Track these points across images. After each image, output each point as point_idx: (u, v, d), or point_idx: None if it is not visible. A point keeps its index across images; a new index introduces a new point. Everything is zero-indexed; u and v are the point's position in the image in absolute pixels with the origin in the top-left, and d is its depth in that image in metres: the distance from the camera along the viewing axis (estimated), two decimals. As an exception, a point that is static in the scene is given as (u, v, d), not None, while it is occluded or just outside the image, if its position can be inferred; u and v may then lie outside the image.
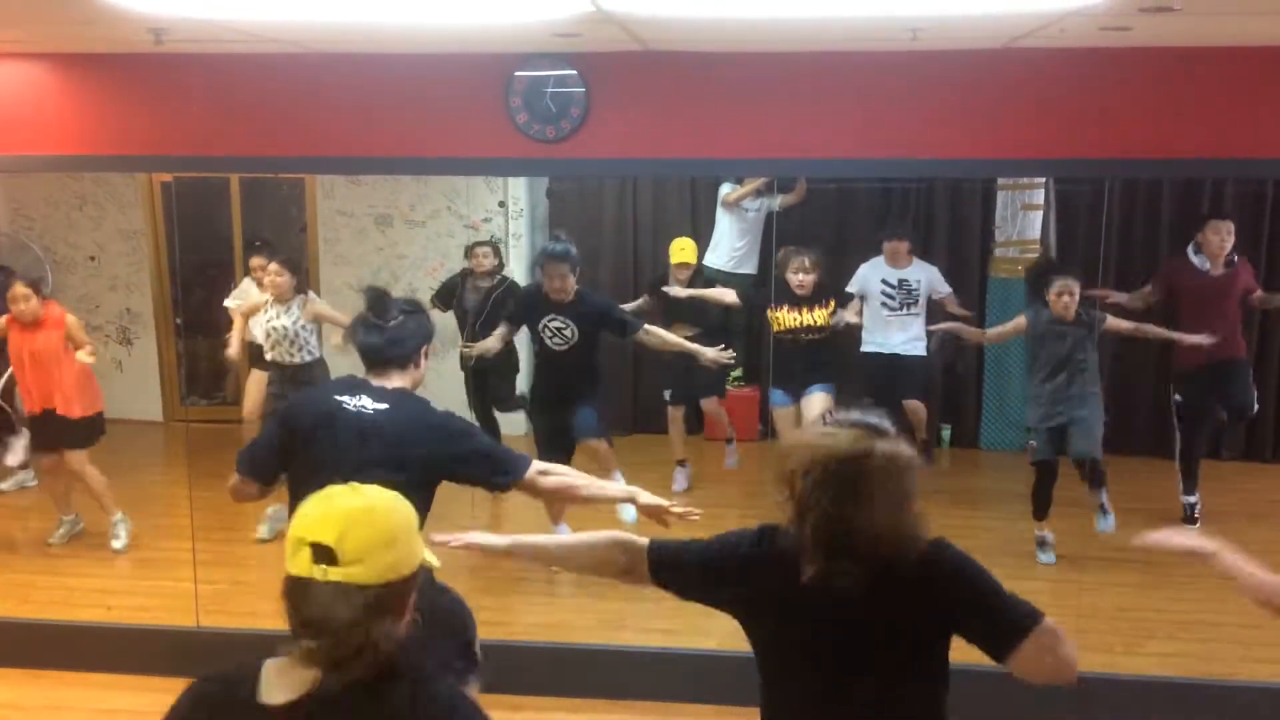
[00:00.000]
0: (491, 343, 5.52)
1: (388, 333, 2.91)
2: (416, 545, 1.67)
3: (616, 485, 3.19)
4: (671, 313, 6.52)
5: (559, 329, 5.20)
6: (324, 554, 1.55)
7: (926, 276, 6.39)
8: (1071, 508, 5.80)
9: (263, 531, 5.68)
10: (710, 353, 5.23)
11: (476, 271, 6.46)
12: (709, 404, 6.54)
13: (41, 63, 4.35)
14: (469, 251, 6.56)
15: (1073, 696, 4.11)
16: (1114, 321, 5.51)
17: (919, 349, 6.39)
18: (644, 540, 2.24)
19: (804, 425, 5.76)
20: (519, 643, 4.59)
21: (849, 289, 6.34)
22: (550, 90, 4.11)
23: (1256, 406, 5.96)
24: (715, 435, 7.01)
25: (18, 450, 6.40)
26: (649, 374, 7.48)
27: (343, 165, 5.06)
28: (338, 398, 2.85)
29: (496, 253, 6.58)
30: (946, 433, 7.53)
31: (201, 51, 4.20)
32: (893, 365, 6.35)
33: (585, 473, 3.30)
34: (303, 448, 2.86)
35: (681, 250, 6.49)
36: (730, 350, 5.27)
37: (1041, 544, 5.52)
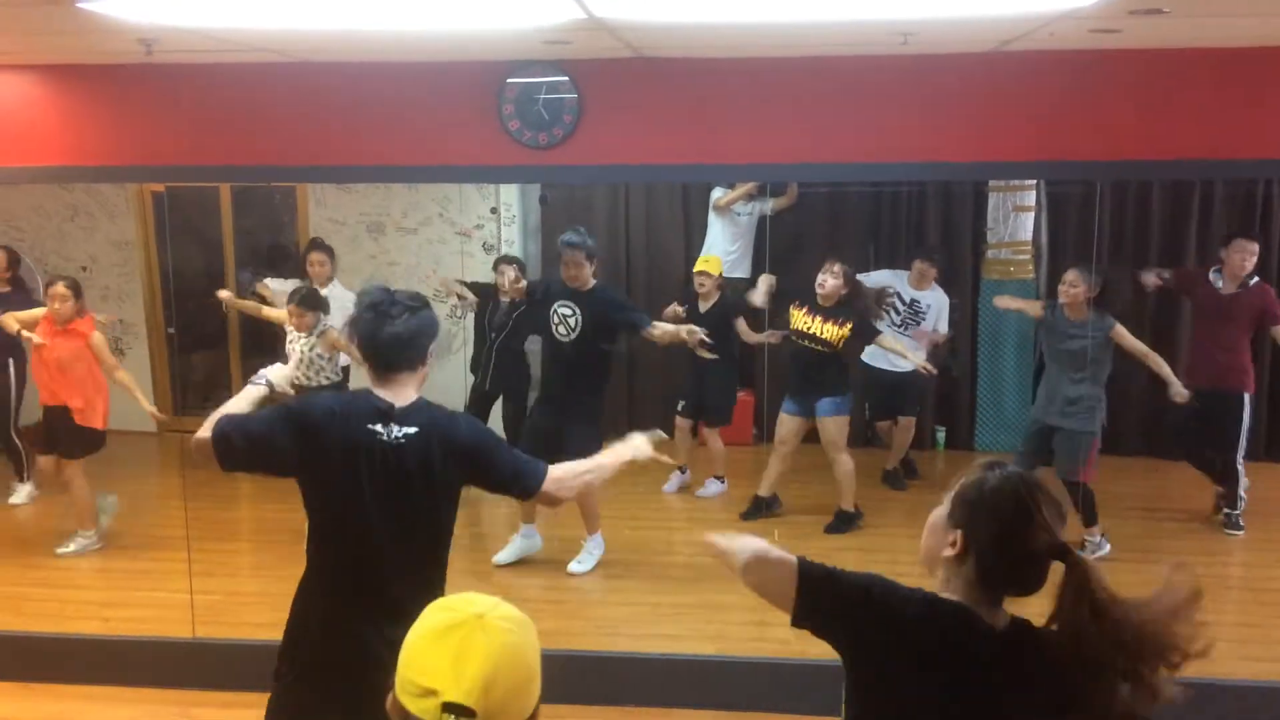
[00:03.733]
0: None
1: (401, 331, 2.67)
2: (538, 675, 1.56)
3: (613, 457, 2.95)
4: None
5: (565, 316, 5.23)
6: (462, 713, 1.41)
7: (938, 305, 6.53)
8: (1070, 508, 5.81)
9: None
10: (684, 332, 5.20)
11: (500, 290, 6.41)
12: (711, 433, 6.56)
13: (32, 74, 4.35)
14: (495, 265, 6.55)
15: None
16: (1122, 333, 5.35)
17: (907, 364, 6.45)
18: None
19: (825, 449, 5.83)
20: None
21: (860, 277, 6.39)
22: (542, 97, 4.12)
23: (1242, 452, 5.75)
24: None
25: (22, 494, 6.46)
26: (645, 378, 7.49)
27: (335, 174, 5.06)
28: (370, 427, 2.63)
29: (523, 271, 6.44)
30: (941, 435, 7.55)
31: (192, 62, 4.20)
32: (896, 382, 6.50)
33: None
34: (326, 474, 2.66)
35: (701, 262, 6.51)
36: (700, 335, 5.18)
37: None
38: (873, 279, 6.52)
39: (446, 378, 7.31)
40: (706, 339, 5.20)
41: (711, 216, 7.17)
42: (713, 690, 4.27)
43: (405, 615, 2.65)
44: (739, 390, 7.29)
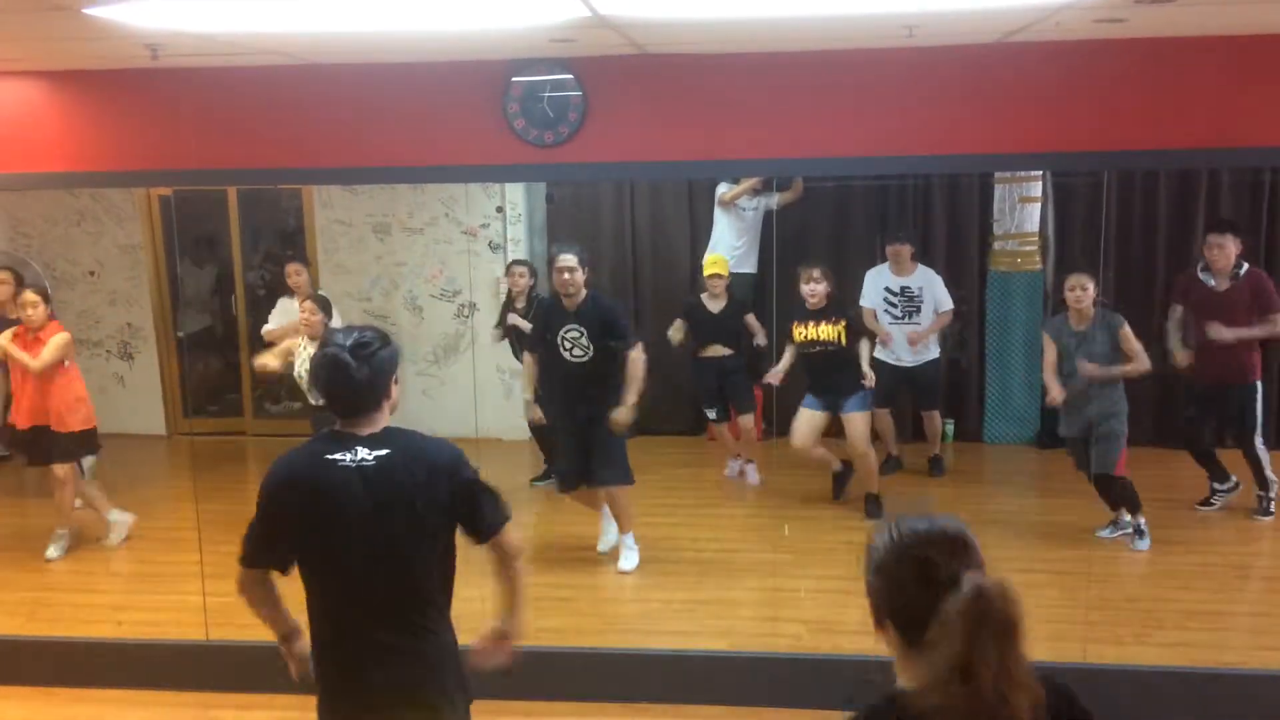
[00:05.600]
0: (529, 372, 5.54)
1: (360, 381, 2.56)
2: None
3: (517, 603, 2.87)
4: (704, 334, 6.56)
5: (576, 339, 5.19)
6: None
7: (929, 284, 6.50)
8: (1080, 499, 5.80)
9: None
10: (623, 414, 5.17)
11: (514, 292, 6.44)
12: (746, 420, 6.64)
13: (39, 80, 4.36)
14: (507, 271, 6.58)
15: (1084, 689, 4.12)
16: (1127, 332, 5.33)
17: (930, 356, 6.57)
18: None
19: (850, 444, 5.91)
20: (529, 648, 4.58)
21: (862, 301, 6.51)
22: (547, 95, 4.12)
23: (1260, 436, 5.80)
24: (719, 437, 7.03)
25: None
26: (659, 376, 7.48)
27: (341, 176, 5.07)
28: (329, 456, 2.56)
29: (532, 272, 6.50)
30: (950, 427, 7.54)
31: (198, 65, 4.20)
32: (907, 377, 6.55)
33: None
34: (306, 526, 2.59)
35: (714, 264, 6.54)
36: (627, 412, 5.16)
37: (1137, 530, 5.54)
38: (870, 277, 6.60)
39: (456, 371, 7.35)
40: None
41: (717, 212, 7.17)
42: (724, 686, 4.28)
43: (406, 651, 2.60)
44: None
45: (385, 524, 2.55)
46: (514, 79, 4.13)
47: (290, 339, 5.79)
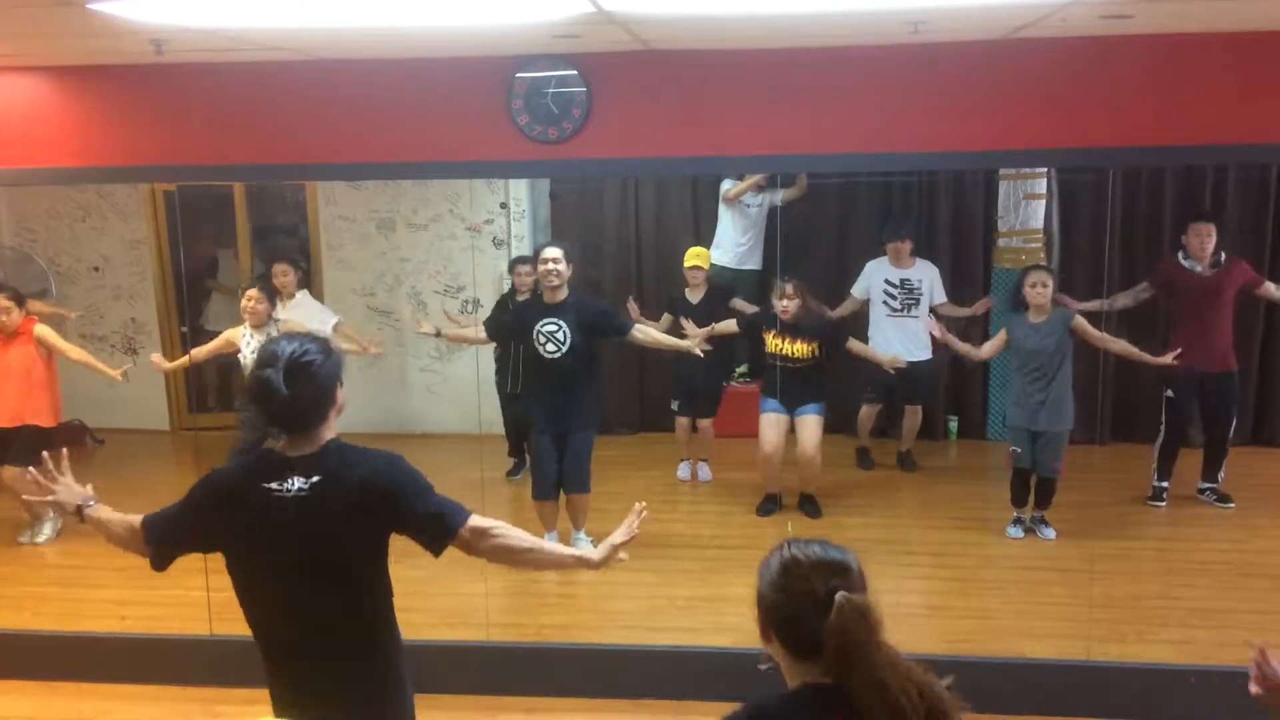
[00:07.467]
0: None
1: (306, 395, 2.46)
2: None
3: (561, 549, 2.80)
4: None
5: (551, 333, 5.19)
6: None
7: (929, 277, 6.54)
8: (1082, 495, 5.82)
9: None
10: (689, 344, 5.34)
11: (520, 290, 6.26)
12: (705, 424, 6.69)
13: (43, 75, 4.36)
14: (511, 268, 6.48)
15: (1088, 687, 4.12)
16: (1081, 323, 5.46)
17: (925, 353, 6.55)
18: None
19: (803, 444, 5.93)
20: (532, 644, 4.60)
21: (854, 291, 6.48)
22: (551, 91, 4.11)
23: (1234, 425, 6.01)
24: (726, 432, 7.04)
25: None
26: (655, 375, 7.50)
27: (345, 172, 5.07)
28: (265, 485, 2.49)
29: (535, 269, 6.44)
30: (954, 424, 7.54)
31: (202, 61, 4.21)
32: (907, 374, 6.49)
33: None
34: (235, 546, 2.59)
35: (694, 256, 6.54)
36: (699, 342, 5.36)
37: (1017, 521, 5.68)
38: (870, 268, 6.61)
39: (459, 368, 7.35)
40: (706, 347, 5.37)
41: (721, 209, 7.17)
42: (727, 682, 4.26)
43: (343, 680, 2.57)
44: (750, 382, 7.33)
45: (317, 551, 2.50)
46: (518, 75, 4.13)
47: (230, 330, 5.79)
